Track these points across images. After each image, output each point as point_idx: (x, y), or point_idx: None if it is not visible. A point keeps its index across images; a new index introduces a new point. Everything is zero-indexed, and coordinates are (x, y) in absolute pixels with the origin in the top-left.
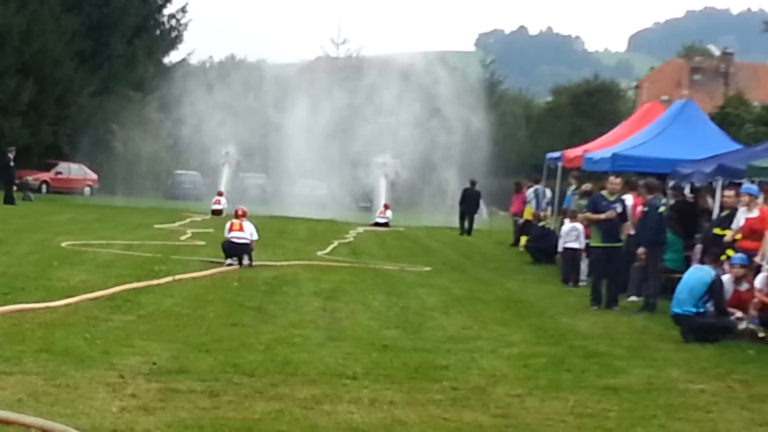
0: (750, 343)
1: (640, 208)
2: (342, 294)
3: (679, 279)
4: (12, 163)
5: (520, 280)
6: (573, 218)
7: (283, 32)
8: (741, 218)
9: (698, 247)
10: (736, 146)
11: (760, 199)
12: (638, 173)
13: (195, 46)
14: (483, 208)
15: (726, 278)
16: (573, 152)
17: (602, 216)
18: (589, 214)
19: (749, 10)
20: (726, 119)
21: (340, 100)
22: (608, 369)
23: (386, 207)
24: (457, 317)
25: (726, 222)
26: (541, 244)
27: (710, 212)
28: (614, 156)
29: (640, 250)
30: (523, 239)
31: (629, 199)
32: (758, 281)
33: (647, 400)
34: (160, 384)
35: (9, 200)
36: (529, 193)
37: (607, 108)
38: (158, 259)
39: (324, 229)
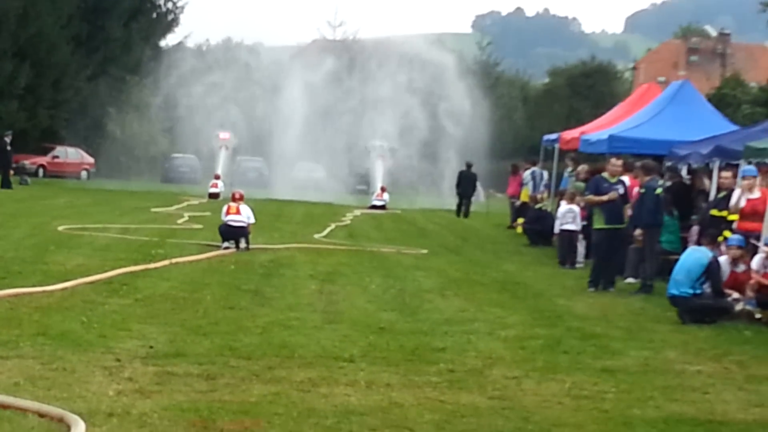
0: (747, 324)
1: (636, 190)
2: (339, 277)
3: (676, 260)
4: (9, 147)
5: (517, 262)
6: (570, 200)
7: (280, 15)
8: (742, 200)
9: (695, 229)
10: (733, 127)
11: (758, 180)
12: (635, 155)
13: (191, 30)
14: (480, 190)
15: (723, 259)
16: (570, 134)
17: (604, 198)
18: (591, 197)
19: None
20: (723, 100)
21: (336, 83)
22: (605, 351)
23: (383, 190)
24: (454, 299)
25: (723, 203)
26: (538, 226)
27: (707, 193)
28: (611, 138)
29: (637, 231)
30: (520, 221)
31: (626, 180)
32: (755, 262)
33: (644, 382)
34: (156, 367)
35: (6, 184)
36: (526, 175)
37: (603, 89)
38: (155, 243)
39: (321, 212)
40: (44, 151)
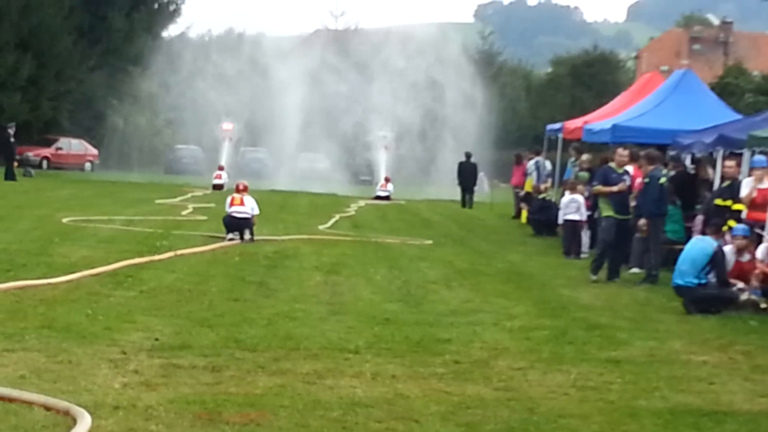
0: (752, 314)
1: (639, 180)
2: (343, 268)
3: (681, 250)
4: (12, 139)
5: (521, 253)
6: (572, 190)
7: (282, 6)
8: (753, 191)
9: (699, 218)
10: (736, 116)
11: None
12: (638, 144)
13: (193, 20)
14: (484, 180)
15: (728, 249)
16: (573, 124)
17: (615, 188)
18: (600, 187)
19: None
20: (726, 89)
21: (338, 73)
22: (610, 341)
23: (387, 180)
24: (459, 290)
25: (727, 193)
26: (542, 216)
27: (711, 183)
28: (614, 127)
29: (642, 221)
30: (524, 211)
31: (629, 170)
32: (760, 252)
33: (649, 372)
34: (162, 360)
35: (10, 176)
36: (530, 165)
37: (606, 79)
38: (160, 235)
39: (325, 202)
40: (48, 143)
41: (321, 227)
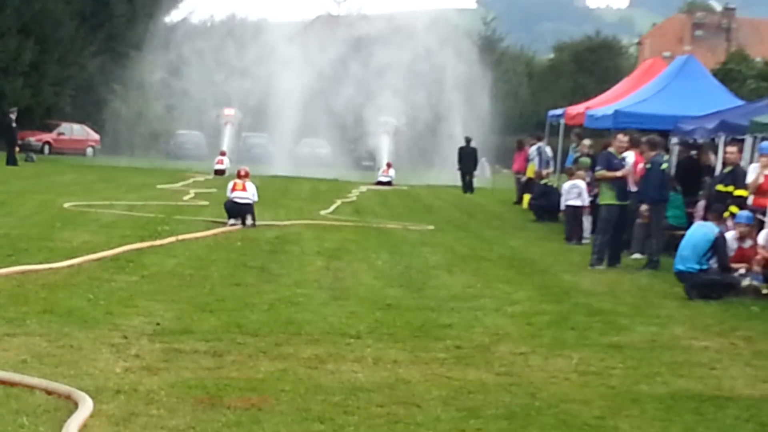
0: (753, 299)
1: (641, 166)
2: (345, 253)
3: (682, 236)
4: (14, 124)
5: (523, 238)
6: (570, 175)
7: None
8: (760, 177)
9: (701, 204)
10: (739, 102)
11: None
12: (640, 130)
13: (195, 6)
14: (486, 166)
15: (729, 235)
16: (575, 109)
17: (618, 173)
18: (604, 172)
19: None
20: (728, 75)
21: (340, 59)
22: (612, 326)
23: (389, 166)
24: (461, 276)
25: (728, 178)
26: (543, 202)
27: (713, 169)
28: (616, 113)
29: (643, 207)
30: (527, 197)
31: (631, 156)
32: (762, 238)
33: (651, 358)
34: (163, 344)
35: (11, 161)
36: (532, 150)
37: (608, 65)
38: (161, 220)
39: (327, 188)
40: (50, 128)
41: (322, 212)
